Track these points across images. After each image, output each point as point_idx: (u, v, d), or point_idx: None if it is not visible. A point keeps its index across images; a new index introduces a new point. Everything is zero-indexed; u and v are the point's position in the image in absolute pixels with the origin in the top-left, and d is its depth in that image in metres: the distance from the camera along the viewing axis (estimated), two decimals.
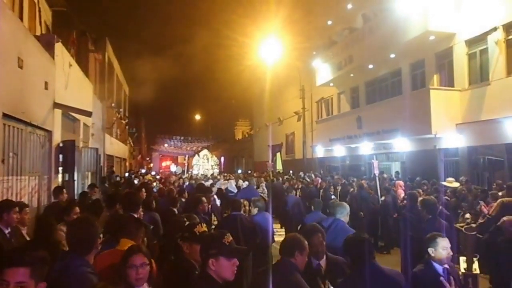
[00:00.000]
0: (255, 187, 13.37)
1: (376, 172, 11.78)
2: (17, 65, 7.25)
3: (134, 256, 2.86)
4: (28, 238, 5.02)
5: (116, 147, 24.65)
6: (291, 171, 22.72)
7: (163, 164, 59.29)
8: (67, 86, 11.05)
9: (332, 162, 24.05)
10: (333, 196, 12.16)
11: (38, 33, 11.89)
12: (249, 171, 29.32)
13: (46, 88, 9.09)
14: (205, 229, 3.74)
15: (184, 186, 14.48)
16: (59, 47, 10.30)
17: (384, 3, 16.76)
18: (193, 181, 17.37)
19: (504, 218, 5.25)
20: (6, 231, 4.58)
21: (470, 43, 13.90)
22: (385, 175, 14.82)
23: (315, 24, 23.75)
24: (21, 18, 10.50)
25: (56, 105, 9.79)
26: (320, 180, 15.33)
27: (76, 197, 9.19)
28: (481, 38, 13.31)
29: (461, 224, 8.33)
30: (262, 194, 14.16)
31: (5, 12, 6.90)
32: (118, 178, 17.37)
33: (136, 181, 16.74)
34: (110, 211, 5.94)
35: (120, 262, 2.88)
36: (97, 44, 20.50)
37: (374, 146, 18.22)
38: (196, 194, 7.69)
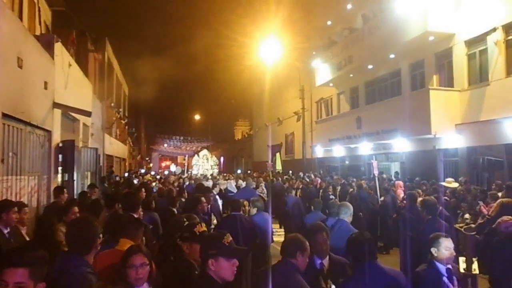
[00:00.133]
0: (252, 187, 13.36)
1: (376, 172, 11.79)
2: (16, 64, 7.24)
3: (134, 256, 2.86)
4: (27, 238, 5.02)
5: (115, 147, 24.64)
6: (290, 171, 22.72)
7: (163, 164, 59.29)
8: (66, 86, 11.05)
9: (331, 162, 24.05)
10: (332, 196, 12.16)
11: (37, 33, 11.88)
12: (249, 171, 29.30)
13: (45, 88, 9.09)
14: (205, 229, 3.74)
15: (184, 186, 14.47)
16: (58, 47, 10.29)
17: (384, 3, 16.77)
18: (193, 181, 17.37)
19: (499, 220, 5.25)
20: (6, 231, 4.58)
21: (470, 43, 13.91)
22: (384, 176, 14.83)
23: (314, 24, 23.76)
24: (20, 18, 10.50)
25: (56, 105, 9.79)
26: (319, 180, 15.35)
27: (75, 197, 9.18)
28: (481, 39, 13.32)
29: (461, 225, 8.35)
30: (261, 194, 14.16)
31: (5, 12, 6.90)
32: (117, 178, 17.37)
33: (135, 181, 16.73)
34: (110, 211, 5.95)
35: (120, 262, 2.88)
36: (97, 44, 20.50)
37: (373, 147, 18.22)
38: (195, 194, 7.69)
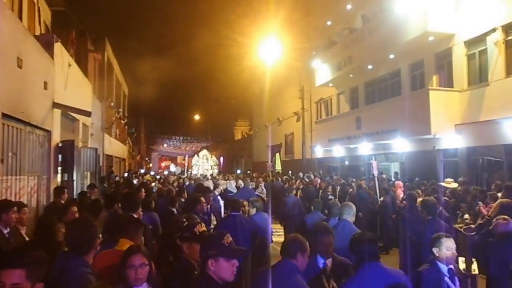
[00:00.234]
0: (251, 187, 13.38)
1: (375, 172, 11.79)
2: (16, 65, 7.24)
3: (133, 257, 2.86)
4: (27, 238, 5.01)
5: (115, 147, 24.64)
6: (290, 172, 22.73)
7: (162, 164, 59.27)
8: (66, 86, 11.05)
9: (331, 162, 24.05)
10: (331, 197, 12.17)
11: (37, 33, 11.88)
12: (248, 172, 29.30)
13: (45, 88, 9.08)
14: (205, 229, 3.75)
15: (184, 186, 14.47)
16: (58, 47, 10.29)
17: (384, 4, 16.78)
18: (193, 181, 17.37)
19: (495, 220, 5.26)
20: (5, 231, 4.58)
21: (469, 43, 13.91)
22: (384, 176, 14.83)
23: (314, 24, 23.78)
24: (20, 18, 10.49)
25: (55, 105, 9.78)
26: (319, 181, 15.35)
27: (75, 197, 9.18)
28: (480, 39, 13.32)
29: (460, 225, 8.34)
30: (260, 195, 14.17)
31: (5, 12, 6.89)
32: (117, 178, 17.37)
33: (135, 181, 16.73)
34: (109, 211, 5.95)
35: (119, 263, 2.88)
36: (97, 44, 20.49)
37: (373, 147, 18.22)
38: (194, 194, 7.69)
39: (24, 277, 2.11)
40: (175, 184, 16.07)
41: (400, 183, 12.29)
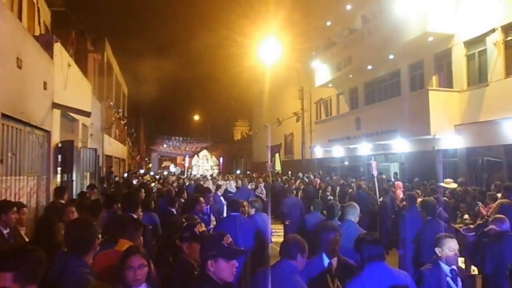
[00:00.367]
0: (249, 187, 13.38)
1: (375, 173, 11.78)
2: (16, 65, 7.24)
3: (132, 257, 2.85)
4: (26, 239, 5.01)
5: (115, 147, 24.62)
6: (289, 172, 22.73)
7: (162, 164, 59.29)
8: (66, 86, 11.05)
9: (331, 162, 24.06)
10: (330, 197, 12.17)
11: (37, 33, 11.87)
12: (248, 172, 29.30)
13: (45, 88, 9.08)
14: (204, 229, 3.74)
15: (184, 186, 14.45)
16: (58, 47, 10.28)
17: (383, 4, 16.79)
18: (192, 182, 17.36)
19: (492, 219, 5.28)
20: (5, 232, 4.57)
21: (469, 44, 13.92)
22: (383, 176, 14.83)
23: (314, 25, 23.79)
24: (20, 18, 10.49)
25: (55, 105, 9.78)
26: (319, 181, 15.35)
27: (74, 197, 9.18)
28: (480, 39, 13.33)
29: (460, 225, 8.35)
30: (260, 195, 14.17)
31: (4, 12, 6.89)
32: (116, 179, 17.35)
33: (134, 182, 16.72)
34: (108, 211, 5.95)
35: (118, 263, 2.88)
36: (96, 44, 20.48)
37: (373, 147, 18.23)
38: (194, 195, 7.70)
39: (11, 280, 2.11)
40: (175, 184, 16.06)
41: (400, 183, 12.29)
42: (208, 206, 7.74)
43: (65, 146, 10.35)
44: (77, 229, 3.04)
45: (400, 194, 11.29)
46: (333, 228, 4.12)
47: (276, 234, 11.60)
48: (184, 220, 4.30)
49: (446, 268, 3.78)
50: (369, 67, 19.17)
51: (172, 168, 40.10)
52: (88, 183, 12.18)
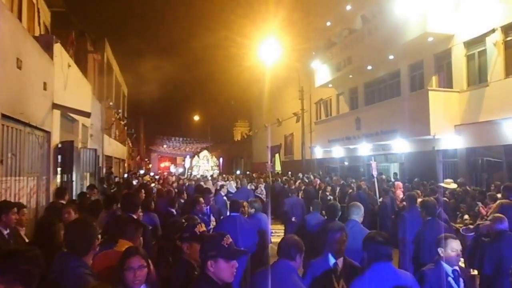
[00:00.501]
0: (248, 187, 13.38)
1: (375, 173, 11.78)
2: (15, 65, 7.24)
3: (132, 258, 2.85)
4: (26, 239, 5.01)
5: (114, 148, 24.62)
6: (289, 172, 22.74)
7: (162, 165, 59.29)
8: (66, 86, 11.04)
9: (330, 163, 24.06)
10: (330, 197, 12.17)
11: (37, 33, 11.87)
12: (248, 172, 29.30)
13: (45, 88, 9.08)
14: (205, 229, 3.74)
15: (184, 187, 14.44)
16: (58, 47, 10.28)
17: (383, 5, 16.79)
18: (193, 182, 17.35)
19: (488, 220, 5.28)
20: (5, 232, 4.57)
21: (469, 44, 13.93)
22: (383, 176, 14.83)
23: (314, 25, 23.79)
24: (20, 18, 10.49)
25: (55, 105, 9.78)
26: (318, 181, 15.35)
27: (74, 198, 9.18)
28: (480, 40, 13.34)
29: (460, 225, 8.35)
30: (260, 195, 14.17)
31: (4, 13, 6.90)
32: (116, 179, 17.35)
33: (134, 182, 16.72)
34: (108, 211, 5.95)
35: (117, 264, 2.88)
36: (96, 45, 20.48)
37: (372, 147, 18.23)
38: (194, 195, 7.70)
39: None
40: (175, 185, 16.06)
41: (400, 183, 12.29)
42: (208, 207, 7.73)
43: (65, 147, 10.35)
44: (77, 230, 3.04)
45: (400, 194, 11.29)
46: (340, 228, 4.14)
47: (276, 235, 11.60)
48: (184, 220, 4.30)
49: (448, 268, 3.78)
50: (369, 67, 19.17)
51: (173, 169, 40.08)
52: (88, 184, 12.18)
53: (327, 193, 12.57)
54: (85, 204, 7.06)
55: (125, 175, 23.78)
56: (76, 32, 16.48)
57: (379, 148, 17.96)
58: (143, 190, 9.07)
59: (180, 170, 32.99)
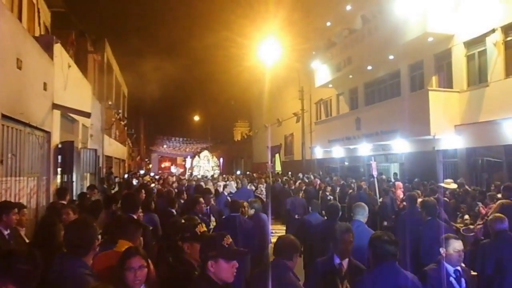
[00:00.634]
0: (248, 187, 13.37)
1: (375, 173, 11.78)
2: (16, 66, 7.24)
3: (132, 259, 2.84)
4: (27, 240, 5.01)
5: (115, 148, 24.63)
6: (289, 172, 22.74)
7: (162, 165, 59.30)
8: (66, 87, 11.05)
9: (331, 163, 24.05)
10: (330, 197, 12.16)
11: (37, 34, 11.87)
12: (248, 172, 29.30)
13: (45, 89, 9.08)
14: (205, 229, 3.74)
15: (184, 187, 14.43)
16: (58, 48, 10.29)
17: (383, 5, 16.79)
18: (194, 182, 17.32)
19: (489, 220, 5.28)
20: (6, 233, 4.57)
21: (469, 44, 13.93)
22: (383, 177, 14.82)
23: (314, 25, 23.78)
24: (20, 19, 10.49)
25: (55, 106, 9.78)
26: (319, 182, 15.34)
27: (74, 198, 9.18)
28: (480, 40, 13.34)
29: (460, 225, 8.35)
30: (259, 195, 14.17)
31: (4, 13, 6.90)
32: (116, 180, 17.35)
33: (135, 182, 16.72)
34: (107, 211, 5.96)
35: (117, 265, 2.87)
36: (96, 45, 20.49)
37: (373, 147, 18.23)
38: (194, 195, 7.70)
39: None
40: (175, 185, 16.05)
41: (400, 184, 12.28)
42: (208, 207, 7.74)
43: (65, 147, 10.35)
44: (77, 230, 3.04)
45: (400, 194, 11.28)
46: (347, 229, 4.16)
47: (276, 235, 11.57)
48: (184, 220, 4.30)
49: (450, 268, 3.78)
50: (369, 67, 19.17)
51: (174, 169, 40.09)
52: (88, 184, 12.18)
53: (327, 193, 12.57)
54: (85, 204, 7.06)
55: (125, 176, 23.77)
56: (76, 32, 16.49)
57: (379, 148, 17.95)
58: (143, 190, 9.07)
59: (181, 170, 32.98)
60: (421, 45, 15.21)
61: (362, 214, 5.37)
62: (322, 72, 22.91)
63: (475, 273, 5.55)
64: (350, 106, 22.32)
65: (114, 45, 26.17)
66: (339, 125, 20.82)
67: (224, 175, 25.44)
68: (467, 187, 11.00)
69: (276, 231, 12.28)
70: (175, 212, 7.43)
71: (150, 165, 57.96)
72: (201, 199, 6.89)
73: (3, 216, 4.55)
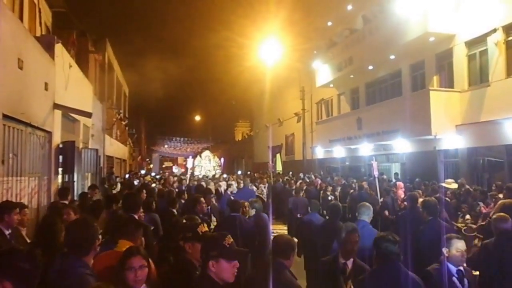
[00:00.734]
0: (249, 187, 13.38)
1: (376, 173, 11.77)
2: (17, 66, 7.25)
3: (133, 258, 2.84)
4: (28, 240, 5.01)
5: (116, 148, 24.65)
6: (290, 172, 22.74)
7: (163, 165, 59.29)
8: (67, 87, 11.05)
9: (332, 163, 24.04)
10: (331, 197, 12.16)
11: (38, 34, 11.88)
12: (248, 172, 29.30)
13: (46, 89, 9.09)
14: (207, 229, 3.74)
15: (183, 187, 14.42)
16: (59, 48, 10.30)
17: (384, 4, 16.78)
18: (195, 182, 17.29)
19: (492, 219, 5.25)
20: (7, 232, 4.57)
21: (470, 44, 13.91)
22: (384, 176, 14.81)
23: (315, 25, 23.77)
24: (21, 19, 10.50)
25: (56, 106, 9.79)
26: (319, 181, 15.34)
27: (75, 198, 9.18)
28: (481, 40, 13.32)
29: (462, 225, 8.33)
30: (260, 195, 14.16)
31: (5, 13, 6.90)
32: (117, 180, 17.35)
33: (136, 182, 16.72)
34: (108, 211, 5.97)
35: (118, 264, 2.87)
36: (97, 45, 20.52)
37: (374, 147, 18.22)
38: (195, 195, 7.69)
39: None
40: (175, 185, 16.03)
41: (401, 183, 12.27)
42: (209, 207, 7.74)
43: (66, 147, 10.35)
44: (77, 230, 3.04)
45: (401, 194, 11.27)
46: (353, 229, 4.18)
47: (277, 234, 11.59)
48: (185, 220, 4.30)
49: (452, 268, 3.78)
50: (370, 67, 19.16)
51: (175, 169, 40.09)
52: (89, 184, 12.18)
53: (328, 193, 12.56)
54: (86, 204, 7.07)
55: (126, 175, 23.78)
56: (77, 32, 16.51)
57: (380, 148, 17.94)
58: (144, 190, 9.08)
59: (182, 170, 32.97)
60: (422, 45, 15.19)
61: (368, 214, 5.39)
62: (323, 72, 22.91)
63: (476, 273, 5.54)
64: (351, 106, 22.31)
65: (115, 45, 26.22)
66: (340, 125, 20.81)
67: (225, 175, 25.44)
68: (468, 187, 10.98)
69: (277, 231, 12.28)
70: (175, 212, 7.43)
71: (151, 165, 57.95)
72: (202, 199, 6.89)
73: (4, 216, 4.55)
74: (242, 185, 13.68)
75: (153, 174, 32.70)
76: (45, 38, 10.17)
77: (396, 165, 18.59)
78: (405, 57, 16.80)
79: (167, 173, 33.87)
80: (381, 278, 3.33)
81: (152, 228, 5.52)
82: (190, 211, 6.37)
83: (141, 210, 5.35)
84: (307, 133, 25.90)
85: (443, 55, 15.27)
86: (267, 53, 23.61)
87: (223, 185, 15.83)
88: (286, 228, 12.54)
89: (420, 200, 7.29)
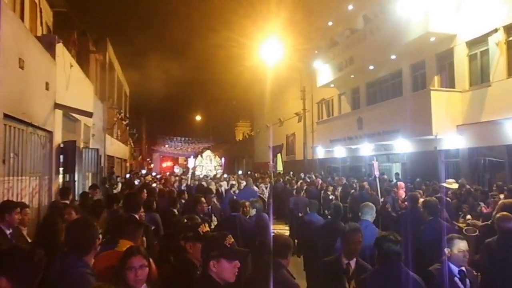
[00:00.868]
0: (250, 187, 13.38)
1: (376, 173, 11.77)
2: (18, 65, 7.25)
3: (133, 258, 2.84)
4: (29, 239, 5.02)
5: (116, 147, 24.65)
6: (291, 172, 22.73)
7: (164, 164, 59.27)
8: (68, 86, 11.06)
9: (332, 163, 24.04)
10: (331, 197, 12.15)
11: (39, 33, 11.89)
12: (249, 172, 29.29)
13: (47, 88, 9.10)
14: (208, 229, 3.75)
15: (183, 187, 14.42)
16: (60, 47, 10.30)
17: (385, 4, 16.77)
18: (196, 182, 17.29)
19: (496, 218, 5.24)
20: (8, 232, 4.58)
21: (471, 44, 13.90)
22: (385, 177, 14.80)
23: (316, 25, 23.78)
24: (22, 18, 10.51)
25: (57, 105, 9.79)
26: (320, 181, 15.33)
27: (76, 198, 9.19)
28: (482, 40, 13.31)
29: (463, 225, 8.32)
30: (261, 195, 14.16)
31: (6, 13, 6.90)
32: (118, 179, 17.34)
33: (136, 182, 16.72)
34: (109, 211, 5.97)
35: (118, 264, 2.87)
36: (98, 45, 20.52)
37: (374, 147, 18.21)
38: (195, 195, 7.70)
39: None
40: (176, 185, 16.04)
41: (402, 183, 12.27)
42: (210, 207, 7.74)
43: (67, 147, 10.36)
44: (78, 230, 3.04)
45: (402, 194, 11.27)
46: (357, 229, 4.19)
47: None
48: (185, 220, 4.30)
49: (454, 268, 3.78)
50: (371, 67, 19.15)
51: (176, 169, 40.05)
52: (90, 184, 12.19)
53: (329, 193, 12.55)
54: (87, 204, 7.07)
55: (127, 175, 23.79)
56: (78, 32, 16.51)
57: (381, 148, 17.93)
58: (145, 190, 9.08)
59: (184, 170, 32.94)
60: (423, 45, 15.18)
61: (371, 214, 5.41)
62: (324, 72, 22.90)
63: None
64: (352, 106, 22.30)
65: (116, 44, 26.20)
66: (340, 125, 20.80)
67: (225, 175, 25.43)
68: (468, 187, 10.98)
69: (278, 231, 12.28)
70: (176, 212, 7.43)
71: (152, 165, 57.97)
72: (203, 199, 6.89)
73: (5, 216, 4.55)
74: (243, 185, 13.69)
75: (153, 173, 32.70)
76: (46, 37, 10.17)
77: (397, 165, 18.58)
78: (406, 57, 16.78)
79: (168, 173, 33.87)
80: (382, 278, 3.34)
81: (153, 228, 5.53)
82: (191, 211, 6.38)
83: (142, 210, 5.36)
84: (307, 133, 25.89)
85: (444, 55, 15.25)
86: (268, 53, 23.62)
87: (224, 185, 15.84)
88: (287, 228, 12.54)
89: (421, 200, 7.28)
